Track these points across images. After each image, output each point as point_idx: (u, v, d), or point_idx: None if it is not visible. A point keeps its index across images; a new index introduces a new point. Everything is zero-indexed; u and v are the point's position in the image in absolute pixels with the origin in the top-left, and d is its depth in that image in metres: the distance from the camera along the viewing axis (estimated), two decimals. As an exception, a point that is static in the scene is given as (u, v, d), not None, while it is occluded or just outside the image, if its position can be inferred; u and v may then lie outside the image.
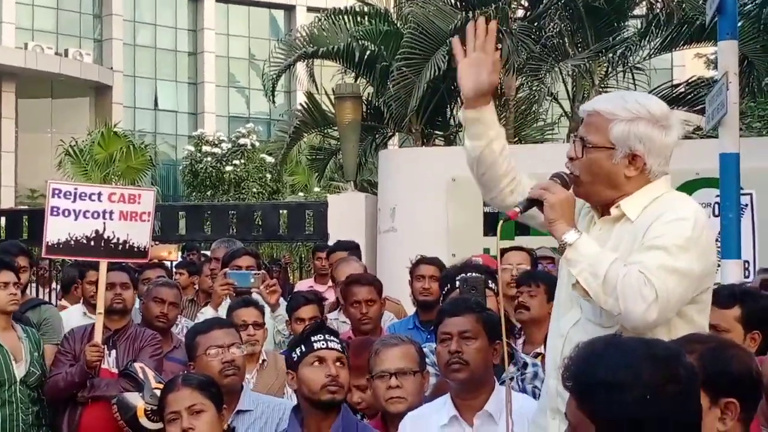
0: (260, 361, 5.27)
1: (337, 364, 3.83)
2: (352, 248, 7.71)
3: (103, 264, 5.70)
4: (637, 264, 2.91)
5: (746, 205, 8.15)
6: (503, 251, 6.41)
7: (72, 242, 5.71)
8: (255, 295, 6.20)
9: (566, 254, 3.00)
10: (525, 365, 4.51)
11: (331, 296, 7.45)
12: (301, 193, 30.17)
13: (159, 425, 4.70)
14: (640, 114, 3.11)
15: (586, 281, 2.93)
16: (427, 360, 4.17)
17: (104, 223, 5.74)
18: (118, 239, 5.76)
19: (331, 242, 8.96)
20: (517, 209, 3.15)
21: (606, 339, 2.10)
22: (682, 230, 2.97)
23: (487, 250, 9.63)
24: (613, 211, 3.15)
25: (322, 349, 3.85)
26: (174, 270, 8.89)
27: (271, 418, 4.29)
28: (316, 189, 28.39)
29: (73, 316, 6.95)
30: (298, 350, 3.93)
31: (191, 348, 4.54)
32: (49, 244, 5.72)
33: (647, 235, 2.99)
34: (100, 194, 5.80)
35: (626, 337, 2.13)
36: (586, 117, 3.20)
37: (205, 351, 4.41)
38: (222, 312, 6.01)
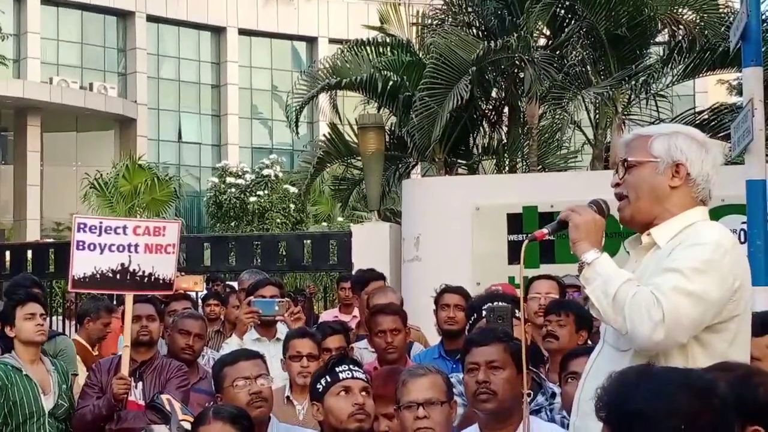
0: None
1: (363, 393, 3.83)
2: (380, 278, 7.71)
3: (129, 297, 5.72)
4: (651, 285, 2.92)
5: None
6: (532, 279, 6.40)
7: (98, 276, 5.74)
8: (279, 324, 6.21)
9: (583, 273, 3.04)
10: (553, 395, 4.48)
11: (354, 326, 7.46)
12: (324, 223, 30.24)
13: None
14: (679, 130, 3.23)
15: (597, 299, 2.97)
16: (454, 390, 4.15)
17: (130, 256, 5.76)
18: (143, 272, 5.78)
19: (355, 271, 8.94)
20: (545, 230, 3.20)
21: (639, 368, 2.09)
22: (700, 253, 2.97)
23: (512, 279, 9.59)
24: (644, 239, 3.17)
25: (347, 378, 3.86)
26: (202, 302, 8.92)
27: None
28: (339, 219, 28.44)
29: None
30: (323, 381, 3.93)
31: (218, 380, 4.54)
32: (76, 278, 5.75)
33: (667, 259, 3.00)
34: (125, 227, 5.83)
35: (661, 366, 2.12)
36: (627, 146, 3.28)
37: (233, 383, 4.40)
38: (248, 341, 6.01)
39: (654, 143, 3.16)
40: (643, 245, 3.17)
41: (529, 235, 3.26)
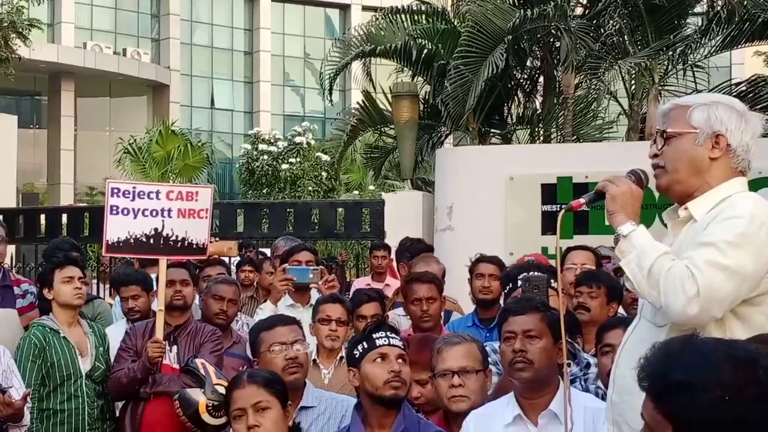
0: (339, 357, 5.27)
1: (400, 360, 3.83)
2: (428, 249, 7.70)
3: (163, 261, 5.74)
4: (686, 259, 2.90)
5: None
6: (568, 250, 6.37)
7: (132, 240, 5.76)
8: (313, 290, 6.23)
9: (619, 245, 3.02)
10: (588, 365, 4.47)
11: (388, 293, 7.47)
12: (355, 192, 30.26)
13: (220, 420, 4.73)
14: (719, 100, 3.18)
15: (632, 272, 2.95)
16: (489, 359, 4.15)
17: (163, 220, 5.78)
18: (176, 236, 5.79)
19: (402, 239, 8.95)
20: (582, 200, 3.19)
21: (683, 339, 2.07)
22: (734, 227, 2.93)
23: (545, 249, 9.56)
24: (681, 213, 3.14)
25: (384, 345, 3.85)
26: (236, 268, 8.96)
27: (333, 415, 4.29)
28: (371, 187, 28.46)
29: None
30: (360, 347, 3.93)
31: (255, 345, 4.56)
32: (110, 242, 5.77)
33: (702, 233, 2.97)
34: (158, 192, 5.84)
35: (704, 337, 2.10)
36: (665, 116, 3.23)
37: (269, 348, 4.42)
38: (282, 307, 6.03)
39: (693, 113, 3.12)
40: (680, 218, 3.14)
41: (566, 205, 3.22)
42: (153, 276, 7.43)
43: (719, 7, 12.93)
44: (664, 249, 2.96)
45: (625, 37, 13.19)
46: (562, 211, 3.21)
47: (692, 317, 2.85)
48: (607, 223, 3.14)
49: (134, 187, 5.88)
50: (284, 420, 3.73)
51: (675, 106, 3.21)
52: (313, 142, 33.42)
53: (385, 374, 3.77)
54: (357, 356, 3.90)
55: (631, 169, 3.21)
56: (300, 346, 4.45)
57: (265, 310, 6.09)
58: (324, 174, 31.56)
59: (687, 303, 2.82)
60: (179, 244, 5.80)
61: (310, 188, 31.45)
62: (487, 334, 5.64)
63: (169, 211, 5.80)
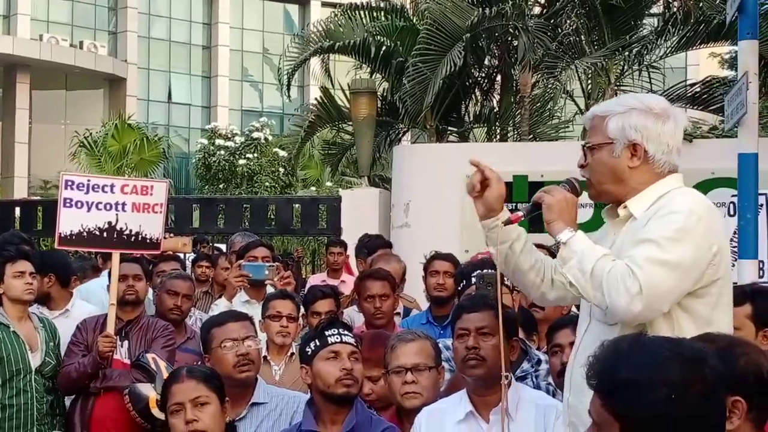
0: (289, 354, 5.26)
1: (352, 358, 3.83)
2: (387, 245, 7.67)
3: (116, 255, 5.70)
4: (627, 258, 2.92)
5: (762, 205, 8.11)
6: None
7: (85, 234, 5.71)
8: (268, 287, 6.20)
9: (560, 252, 3.06)
10: (539, 362, 4.49)
11: (343, 290, 7.46)
12: (313, 188, 30.21)
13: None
14: (633, 105, 3.16)
15: (575, 277, 2.98)
16: (441, 356, 4.16)
17: (117, 214, 5.73)
18: (130, 231, 5.75)
19: (361, 236, 8.94)
20: (520, 213, 3.24)
21: (631, 338, 2.09)
22: (673, 222, 2.95)
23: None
24: (621, 212, 3.16)
25: (336, 343, 3.85)
26: (192, 264, 8.90)
27: (285, 411, 4.28)
28: (328, 183, 28.42)
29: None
30: (312, 344, 3.93)
31: (206, 341, 4.54)
32: (62, 235, 5.72)
33: (642, 229, 3.00)
34: (112, 186, 5.79)
35: (652, 336, 2.12)
36: (589, 124, 3.26)
37: (220, 344, 4.40)
38: (237, 303, 6.00)
39: (609, 124, 3.13)
40: (620, 217, 3.15)
41: (504, 219, 3.28)
42: (106, 271, 7.38)
43: (675, 9, 13.06)
44: (603, 251, 2.99)
45: (582, 36, 13.27)
46: (500, 226, 3.29)
47: (637, 314, 2.88)
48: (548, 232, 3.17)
49: (89, 180, 5.83)
50: (222, 416, 3.73)
51: (594, 116, 3.22)
52: (270, 138, 33.28)
53: (337, 372, 3.76)
54: (309, 353, 3.90)
55: (566, 179, 3.26)
56: (251, 342, 4.43)
57: (220, 306, 6.08)
58: (281, 170, 31.45)
59: (630, 301, 2.84)
60: (133, 238, 5.76)
61: (267, 184, 31.33)
62: (441, 331, 5.64)
63: (124, 204, 5.76)
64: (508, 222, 3.25)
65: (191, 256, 9.89)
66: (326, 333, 3.89)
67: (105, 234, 5.72)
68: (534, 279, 3.38)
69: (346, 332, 3.92)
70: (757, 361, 2.65)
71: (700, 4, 12.38)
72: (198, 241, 11.76)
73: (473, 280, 4.86)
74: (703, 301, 3.00)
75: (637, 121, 3.11)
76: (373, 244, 8.06)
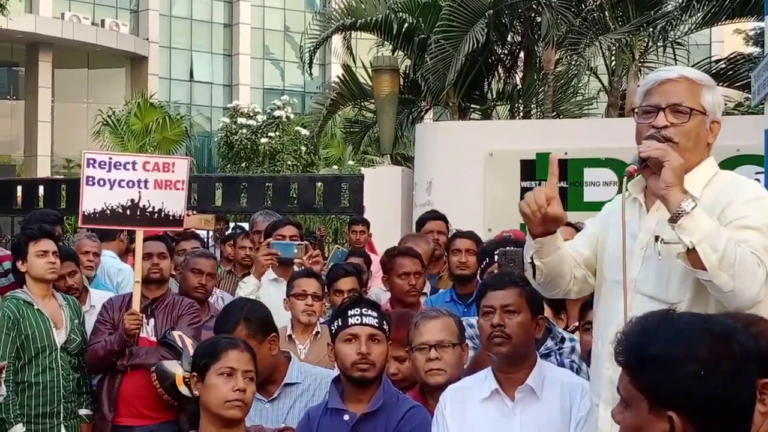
0: (314, 333, 5.26)
1: (372, 340, 3.80)
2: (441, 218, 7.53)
3: (140, 233, 5.70)
4: (744, 243, 2.84)
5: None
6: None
7: (108, 211, 5.71)
8: (296, 265, 6.20)
9: (682, 222, 2.83)
10: (563, 339, 4.48)
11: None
12: (335, 166, 30.21)
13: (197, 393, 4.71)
14: (714, 84, 3.15)
15: (705, 253, 2.79)
16: (465, 333, 4.15)
17: (139, 192, 5.73)
18: (153, 208, 5.75)
19: (367, 214, 8.93)
20: (635, 166, 3.01)
21: (660, 314, 2.06)
22: (767, 210, 2.94)
23: (523, 226, 9.54)
24: None
25: (355, 325, 3.82)
26: (223, 242, 8.89)
27: (318, 390, 4.25)
28: (350, 162, 28.41)
29: None
30: (335, 324, 3.92)
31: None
32: (86, 213, 5.73)
33: (730, 214, 2.94)
34: (134, 163, 5.79)
35: (681, 312, 2.10)
36: (668, 84, 3.11)
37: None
38: (265, 281, 6.01)
39: (705, 95, 3.08)
40: None
41: (626, 172, 3.02)
42: (108, 252, 7.37)
43: (700, -16, 12.95)
44: (726, 230, 2.87)
45: (606, 12, 13.19)
46: (625, 178, 3.03)
47: (756, 303, 2.83)
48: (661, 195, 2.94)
49: (110, 158, 5.83)
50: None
51: (683, 78, 3.12)
52: (292, 116, 33.30)
53: (353, 355, 3.76)
54: (333, 332, 3.90)
55: (649, 134, 3.04)
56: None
57: (249, 284, 6.06)
58: (303, 148, 31.46)
59: (759, 290, 2.82)
60: (156, 215, 5.76)
61: (289, 162, 31.36)
62: (465, 310, 5.63)
63: (146, 182, 5.75)
64: (629, 176, 3.01)
65: (213, 233, 9.92)
66: (348, 313, 3.87)
67: (128, 212, 5.72)
68: (568, 280, 3.30)
69: (369, 312, 3.87)
70: None
71: (726, -20, 12.28)
72: (218, 219, 11.80)
73: (496, 257, 4.84)
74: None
75: (719, 100, 3.10)
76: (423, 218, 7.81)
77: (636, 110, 3.21)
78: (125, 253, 7.97)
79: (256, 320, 4.22)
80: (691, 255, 2.84)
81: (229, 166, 32.47)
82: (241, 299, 5.01)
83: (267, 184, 13.65)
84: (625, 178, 3.03)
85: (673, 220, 2.86)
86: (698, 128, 3.07)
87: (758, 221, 2.90)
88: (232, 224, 11.58)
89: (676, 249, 2.90)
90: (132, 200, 5.73)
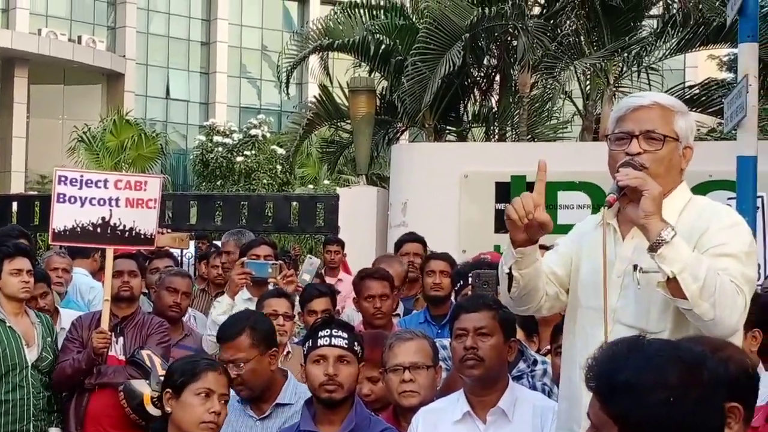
0: (285, 352, 5.24)
1: (340, 361, 3.80)
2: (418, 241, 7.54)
3: (110, 251, 5.68)
4: (723, 271, 2.85)
5: (758, 208, 8.12)
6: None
7: (78, 229, 5.69)
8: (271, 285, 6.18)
9: (662, 251, 2.81)
10: (535, 362, 4.49)
11: (341, 289, 7.44)
12: (310, 186, 30.18)
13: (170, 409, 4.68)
14: (686, 110, 3.17)
15: (686, 282, 2.79)
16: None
17: (110, 210, 5.71)
18: (124, 226, 5.73)
19: (342, 234, 8.93)
20: (614, 195, 2.99)
21: (630, 340, 2.07)
22: (744, 236, 2.97)
23: (498, 247, 9.57)
24: None
25: (324, 346, 3.82)
26: (199, 260, 8.86)
27: None
28: (326, 182, 28.40)
29: None
30: (307, 345, 3.92)
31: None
32: (56, 231, 5.71)
33: (707, 241, 2.94)
34: (106, 181, 5.78)
35: (651, 339, 2.10)
36: (641, 111, 3.11)
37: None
38: (239, 301, 5.99)
39: (678, 121, 3.09)
40: None
41: (606, 202, 2.98)
42: (80, 270, 7.34)
43: (675, 11, 13.10)
44: (705, 258, 2.86)
45: (582, 37, 13.30)
46: (605, 209, 3.01)
47: (736, 331, 2.86)
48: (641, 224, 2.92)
49: (82, 176, 5.82)
50: None
51: (656, 105, 3.11)
52: (268, 135, 33.27)
53: (321, 376, 3.75)
54: (304, 353, 3.90)
55: (625, 161, 3.02)
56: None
57: (223, 303, 6.04)
58: (279, 167, 31.41)
59: (739, 318, 2.84)
60: (127, 233, 5.74)
61: (264, 181, 31.30)
62: (439, 331, 5.63)
63: (117, 200, 5.74)
64: (609, 205, 2.99)
65: (188, 252, 9.88)
66: (318, 334, 3.87)
67: (99, 229, 5.70)
68: (541, 295, 3.25)
69: (339, 333, 3.86)
70: (742, 362, 2.62)
71: (700, 6, 12.42)
72: (197, 237, 11.75)
73: (470, 279, 4.85)
74: None
75: (692, 125, 3.12)
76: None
77: (609, 137, 3.21)
78: (98, 272, 7.94)
79: (261, 330, 4.24)
80: (671, 284, 2.83)
81: (204, 184, 32.37)
82: (248, 311, 5.02)
83: (242, 202, 13.63)
84: (604, 208, 3.02)
85: (653, 249, 2.85)
86: (671, 155, 3.08)
87: (735, 248, 2.92)
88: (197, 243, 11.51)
89: (656, 278, 2.88)
90: (103, 218, 5.71)
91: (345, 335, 3.88)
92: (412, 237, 7.40)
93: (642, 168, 3.01)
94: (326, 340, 3.83)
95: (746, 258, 2.92)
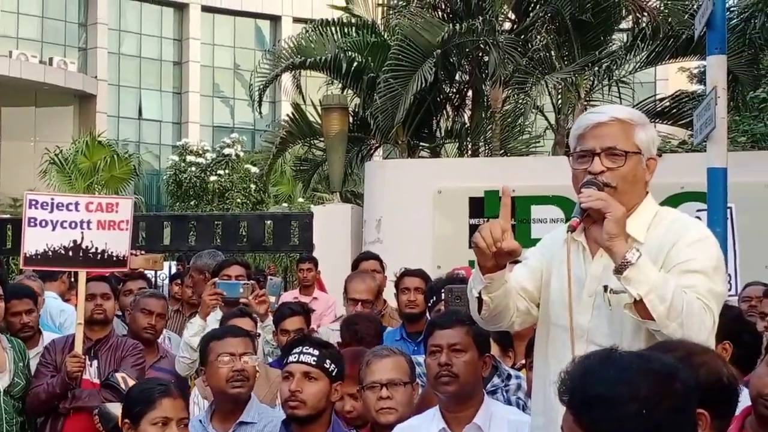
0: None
1: (306, 378, 3.81)
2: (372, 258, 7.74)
3: (82, 274, 5.65)
4: (689, 289, 2.85)
5: (727, 219, 8.16)
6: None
7: (50, 253, 5.66)
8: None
9: (627, 273, 2.81)
10: (509, 377, 4.49)
11: (316, 307, 7.42)
12: (285, 204, 30.14)
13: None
14: (646, 121, 3.17)
15: (653, 304, 2.78)
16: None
17: (82, 232, 5.68)
18: (96, 248, 5.70)
19: (317, 252, 8.93)
20: (577, 218, 2.98)
21: (602, 353, 2.08)
22: (711, 250, 2.96)
23: (472, 263, 9.57)
24: None
25: (292, 363, 3.86)
26: (171, 280, 8.82)
27: None
28: (300, 200, 28.37)
29: None
30: (283, 362, 3.94)
31: (204, 353, 4.48)
32: (27, 255, 5.68)
33: (675, 257, 2.94)
34: (77, 204, 5.75)
35: (623, 351, 2.11)
36: (601, 127, 3.09)
37: (217, 357, 4.35)
38: (212, 321, 5.96)
39: (638, 134, 3.07)
40: None
41: (569, 227, 2.99)
42: (50, 293, 7.30)
43: (644, 24, 13.19)
44: (672, 278, 2.86)
45: (552, 52, 13.38)
46: (568, 234, 3.01)
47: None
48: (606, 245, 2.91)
49: (53, 199, 5.79)
50: None
51: (613, 119, 3.09)
52: (242, 154, 33.21)
53: (286, 392, 3.77)
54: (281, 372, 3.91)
55: (588, 180, 3.02)
56: (248, 359, 4.37)
57: (195, 324, 6.01)
58: (253, 186, 31.35)
59: (708, 336, 2.83)
60: (99, 256, 5.71)
61: (238, 200, 31.24)
62: (415, 348, 5.63)
63: (89, 222, 5.71)
64: (572, 230, 2.99)
65: (162, 273, 9.83)
66: (290, 352, 3.91)
67: (71, 253, 5.67)
68: (512, 313, 3.23)
69: (309, 350, 3.89)
70: (716, 369, 2.61)
71: (669, 20, 12.52)
72: (177, 259, 11.71)
73: (443, 294, 4.85)
74: None
75: (654, 136, 3.12)
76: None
77: (570, 155, 3.21)
78: (68, 292, 7.89)
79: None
80: (639, 305, 2.82)
81: (178, 204, 32.25)
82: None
83: (216, 222, 13.58)
84: (568, 234, 3.00)
85: (619, 271, 2.84)
86: (635, 169, 3.07)
87: (702, 264, 2.92)
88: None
89: (625, 299, 2.87)
90: (74, 241, 5.68)
91: (315, 352, 3.90)
92: (368, 255, 7.87)
93: (606, 186, 3.00)
94: (295, 357, 3.88)
95: (713, 273, 2.92)
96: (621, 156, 3.04)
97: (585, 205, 2.94)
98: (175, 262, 11.84)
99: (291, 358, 3.86)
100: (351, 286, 6.39)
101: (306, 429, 3.77)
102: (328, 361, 3.90)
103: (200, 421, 4.28)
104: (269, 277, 7.84)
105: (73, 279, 8.64)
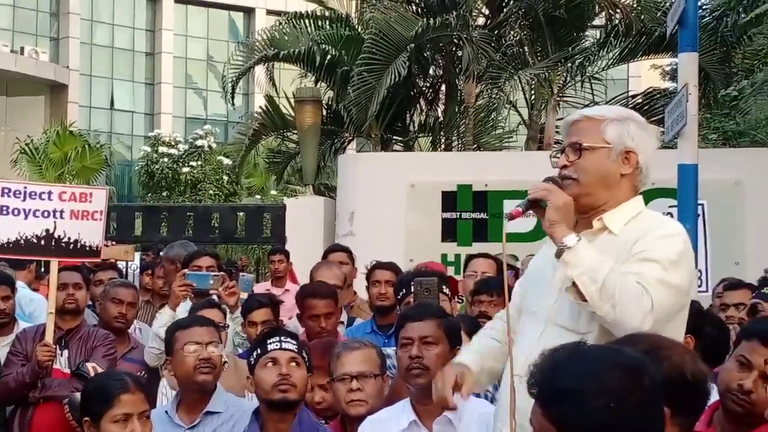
0: (222, 362, 5.21)
1: (292, 364, 3.83)
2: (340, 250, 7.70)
3: (54, 263, 5.62)
4: (633, 274, 2.92)
5: (698, 215, 8.24)
6: (469, 257, 6.45)
7: (22, 242, 5.61)
8: (214, 297, 6.15)
9: (564, 257, 2.97)
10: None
11: (288, 299, 7.41)
12: (257, 196, 30.06)
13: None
14: (628, 116, 3.23)
15: (584, 285, 2.91)
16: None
17: (55, 222, 5.64)
18: (69, 238, 5.66)
19: (290, 245, 8.92)
20: (520, 209, 3.12)
21: (571, 347, 2.10)
22: (674, 246, 3.01)
23: (445, 256, 9.64)
24: (596, 223, 3.16)
25: (276, 350, 3.86)
26: (141, 271, 8.78)
27: (239, 422, 4.22)
28: (273, 192, 28.30)
29: None
30: (254, 354, 3.94)
31: (169, 342, 4.47)
32: (-1, 243, 5.64)
33: (637, 247, 3.01)
34: (50, 193, 5.71)
35: (592, 345, 2.13)
36: (573, 125, 3.24)
37: (183, 346, 4.34)
38: (181, 312, 5.94)
39: (607, 129, 3.15)
40: (594, 229, 3.16)
41: (506, 215, 3.17)
42: (19, 283, 7.25)
43: (617, 21, 13.26)
44: (610, 262, 2.96)
45: (526, 48, 13.42)
46: (506, 221, 3.16)
47: (645, 331, 2.87)
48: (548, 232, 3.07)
49: (25, 187, 5.75)
50: None
51: (585, 118, 3.22)
52: (214, 146, 33.11)
53: (274, 377, 3.78)
54: (252, 363, 3.89)
55: (547, 177, 3.18)
56: (214, 348, 4.38)
57: (164, 315, 5.99)
58: (225, 178, 31.26)
59: (643, 318, 2.87)
60: (72, 246, 5.67)
61: (211, 192, 31.13)
62: (386, 340, 5.63)
63: (62, 212, 5.67)
64: (511, 218, 3.12)
65: (133, 264, 9.79)
66: (267, 341, 3.91)
67: (43, 242, 5.63)
68: (501, 360, 3.36)
69: (288, 339, 3.93)
70: (678, 364, 2.56)
71: (642, 17, 12.58)
72: (143, 249, 11.66)
73: (412, 286, 4.86)
74: (673, 325, 3.05)
75: (634, 131, 3.16)
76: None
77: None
78: (35, 281, 7.84)
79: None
80: (575, 287, 2.96)
81: (150, 195, 32.10)
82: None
83: (188, 213, 13.55)
84: (505, 221, 3.16)
85: (558, 255, 2.99)
86: (600, 162, 3.14)
87: (660, 255, 2.98)
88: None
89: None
90: (47, 230, 5.64)
91: (294, 342, 3.95)
92: (337, 247, 7.89)
93: (568, 179, 3.14)
94: (277, 344, 3.88)
95: (670, 265, 2.96)
96: (584, 150, 3.15)
97: (531, 196, 3.11)
98: (140, 253, 11.77)
99: (272, 346, 3.86)
100: (318, 273, 6.38)
101: (283, 418, 3.78)
102: (303, 351, 3.93)
103: (166, 412, 4.28)
104: (241, 274, 7.82)
105: (42, 268, 8.61)
